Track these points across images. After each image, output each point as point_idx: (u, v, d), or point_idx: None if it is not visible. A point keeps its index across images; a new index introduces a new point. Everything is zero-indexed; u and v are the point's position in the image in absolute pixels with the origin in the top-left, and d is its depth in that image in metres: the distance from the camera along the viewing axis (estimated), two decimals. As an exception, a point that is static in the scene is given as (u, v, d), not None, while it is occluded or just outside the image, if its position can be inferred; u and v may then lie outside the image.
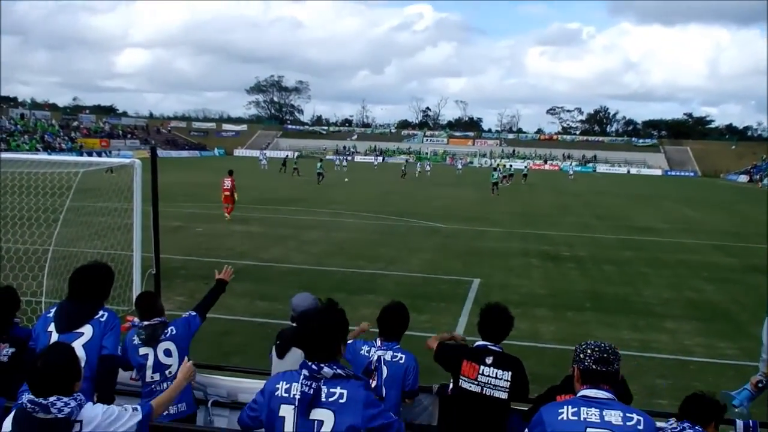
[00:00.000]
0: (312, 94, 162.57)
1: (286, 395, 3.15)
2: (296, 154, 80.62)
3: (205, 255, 16.21)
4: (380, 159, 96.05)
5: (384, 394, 4.46)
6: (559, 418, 3.13)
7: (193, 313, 5.06)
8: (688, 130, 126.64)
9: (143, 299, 4.96)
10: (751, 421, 4.51)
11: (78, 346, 4.19)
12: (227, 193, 23.91)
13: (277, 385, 3.20)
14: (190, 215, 23.44)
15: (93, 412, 3.13)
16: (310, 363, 3.15)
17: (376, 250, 18.24)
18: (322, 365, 3.13)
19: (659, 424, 3.73)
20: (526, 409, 4.52)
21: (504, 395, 4.38)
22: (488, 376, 4.39)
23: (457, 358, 4.56)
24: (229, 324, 10.50)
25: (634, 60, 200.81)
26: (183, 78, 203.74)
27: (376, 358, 4.56)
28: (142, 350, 4.68)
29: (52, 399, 2.98)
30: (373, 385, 4.49)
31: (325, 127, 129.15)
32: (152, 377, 4.68)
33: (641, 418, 3.09)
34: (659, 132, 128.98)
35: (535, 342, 10.07)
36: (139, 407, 3.40)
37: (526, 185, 53.89)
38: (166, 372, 4.69)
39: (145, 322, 4.72)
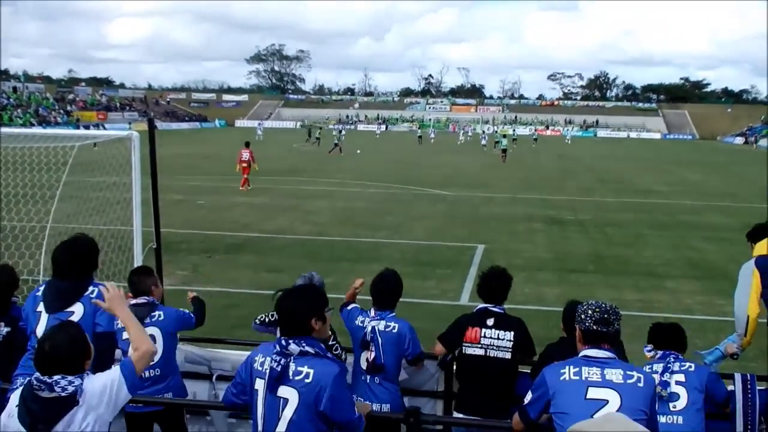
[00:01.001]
0: (313, 63, 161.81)
1: (260, 369, 3.16)
2: (319, 125, 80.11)
3: (207, 228, 16.17)
4: (383, 127, 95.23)
5: (384, 362, 4.45)
6: (561, 378, 3.15)
7: (190, 314, 4.75)
8: (685, 93, 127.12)
9: (132, 275, 4.75)
10: (749, 375, 4.57)
11: None
12: (245, 164, 24.10)
13: (256, 358, 3.22)
14: (192, 188, 23.33)
15: (92, 385, 3.05)
16: (281, 338, 3.15)
17: (381, 219, 18.18)
18: (290, 341, 3.10)
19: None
20: (531, 369, 4.55)
21: (508, 355, 4.40)
22: (490, 338, 4.42)
23: (461, 328, 4.54)
24: (233, 296, 10.48)
25: (633, 26, 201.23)
26: (181, 48, 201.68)
27: (370, 329, 4.51)
28: (126, 335, 4.34)
29: (56, 377, 2.92)
30: (372, 356, 4.46)
31: (328, 96, 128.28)
32: None
33: (642, 376, 3.14)
34: (658, 96, 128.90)
35: (539, 306, 10.12)
36: (120, 375, 3.17)
37: (534, 149, 53.70)
38: None
39: (132, 302, 4.47)
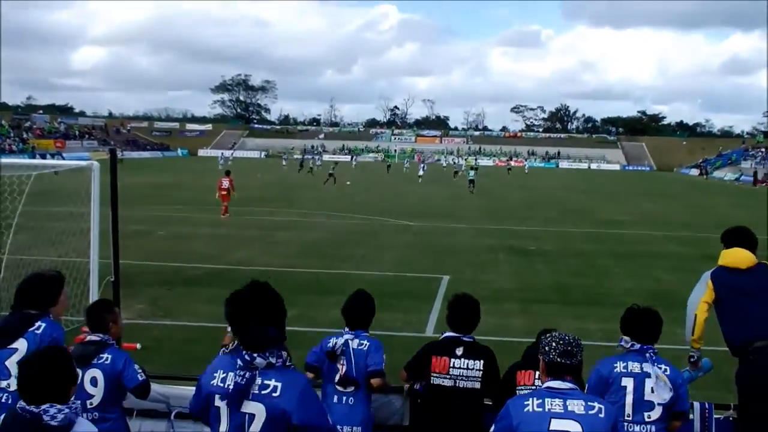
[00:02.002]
0: (279, 94, 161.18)
1: (221, 384, 3.00)
2: (315, 155, 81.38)
3: (168, 259, 15.84)
4: (356, 158, 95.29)
5: (356, 378, 4.46)
6: (525, 410, 3.17)
7: (138, 376, 4.33)
8: (643, 126, 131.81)
9: (91, 309, 4.56)
10: (707, 403, 4.69)
11: (12, 364, 3.89)
12: (224, 192, 24.68)
13: (215, 374, 3.06)
14: (153, 218, 22.93)
15: (84, 426, 2.96)
16: (243, 352, 2.98)
17: (347, 250, 18.08)
18: (255, 355, 2.96)
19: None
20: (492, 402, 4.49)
21: (477, 385, 4.35)
22: (460, 368, 4.36)
23: (425, 358, 4.48)
24: (194, 331, 10.23)
25: (591, 60, 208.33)
26: (144, 76, 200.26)
27: (342, 341, 4.50)
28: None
29: (45, 406, 2.80)
30: (344, 370, 4.44)
31: (293, 126, 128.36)
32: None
33: (602, 406, 3.19)
34: (617, 129, 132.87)
35: (504, 336, 10.05)
36: None
37: (500, 180, 54.31)
38: (87, 402, 4.19)
39: (88, 337, 4.32)
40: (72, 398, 2.97)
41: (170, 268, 14.87)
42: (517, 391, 4.38)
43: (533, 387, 4.22)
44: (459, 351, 4.38)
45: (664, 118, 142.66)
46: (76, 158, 59.35)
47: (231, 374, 2.98)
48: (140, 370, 4.36)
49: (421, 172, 53.10)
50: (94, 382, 4.24)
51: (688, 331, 5.05)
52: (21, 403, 2.85)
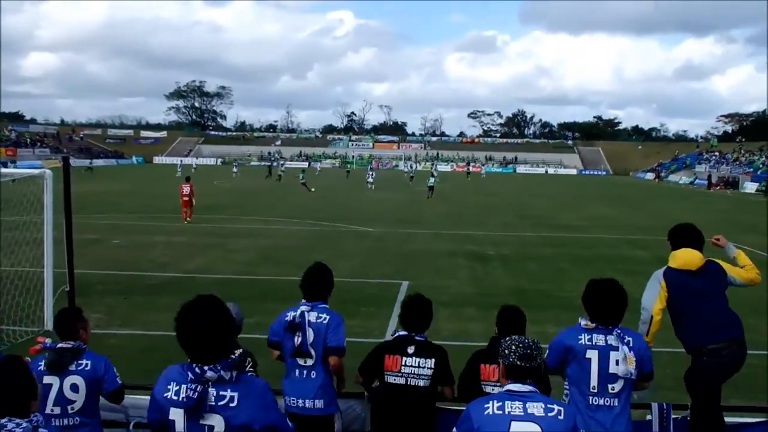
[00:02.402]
0: (235, 100, 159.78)
1: (176, 398, 2.97)
2: (280, 162, 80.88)
3: (124, 268, 15.55)
4: (318, 165, 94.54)
5: (314, 354, 4.52)
6: (486, 413, 3.22)
7: (116, 378, 4.39)
8: (599, 131, 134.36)
9: (59, 318, 4.52)
10: (665, 404, 4.78)
11: None
12: (186, 198, 25.21)
13: (168, 386, 3.02)
14: (108, 227, 22.49)
15: None
16: (194, 365, 2.96)
17: (306, 257, 17.86)
18: (205, 368, 2.94)
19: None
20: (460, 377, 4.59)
21: (427, 383, 4.40)
22: (411, 366, 4.42)
23: (378, 357, 4.54)
24: (151, 340, 10.06)
25: (547, 66, 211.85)
26: (96, 83, 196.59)
27: (299, 312, 4.58)
28: (47, 379, 4.20)
29: (3, 420, 2.74)
30: (299, 341, 4.49)
31: (249, 132, 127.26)
32: (52, 410, 4.19)
33: (561, 408, 3.24)
34: (573, 134, 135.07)
35: (464, 341, 10.12)
36: None
37: (460, 185, 54.70)
38: (69, 408, 4.21)
39: (58, 345, 4.28)
40: (34, 412, 2.90)
41: (126, 277, 14.61)
42: (482, 386, 4.47)
43: (498, 383, 4.27)
44: (410, 349, 4.44)
45: (620, 123, 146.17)
46: (28, 166, 57.90)
47: (183, 386, 2.96)
48: (118, 374, 4.40)
49: (370, 179, 52.52)
50: (74, 388, 4.23)
51: (643, 332, 5.07)
52: None
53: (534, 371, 3.33)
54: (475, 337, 10.47)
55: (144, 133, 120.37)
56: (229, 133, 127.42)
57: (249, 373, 4.22)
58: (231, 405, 2.93)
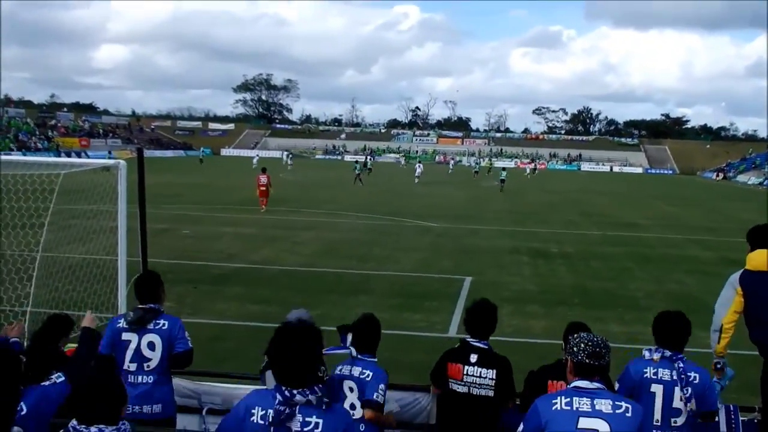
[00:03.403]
0: (300, 93, 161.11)
1: (263, 422, 3.00)
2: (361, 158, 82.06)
3: (193, 258, 16.01)
4: (402, 160, 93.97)
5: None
6: (553, 408, 3.22)
7: (187, 340, 4.54)
8: (666, 129, 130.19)
9: (140, 281, 4.72)
10: (731, 405, 4.74)
11: None
12: (263, 188, 26.97)
13: (253, 410, 3.04)
14: (176, 217, 23.16)
15: None
16: (283, 388, 3.00)
17: (369, 250, 18.13)
18: (295, 392, 2.98)
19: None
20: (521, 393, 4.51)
21: (491, 393, 4.35)
22: (473, 375, 4.39)
23: (442, 364, 4.53)
24: (220, 329, 10.33)
25: (613, 62, 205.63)
26: (165, 75, 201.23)
27: (348, 369, 4.37)
28: (125, 335, 4.41)
29: (94, 429, 2.83)
30: (350, 401, 4.30)
31: (314, 126, 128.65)
32: (128, 366, 4.38)
33: (629, 406, 3.23)
34: (639, 131, 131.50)
35: (526, 338, 10.14)
36: None
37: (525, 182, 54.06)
38: (145, 365, 4.40)
39: (139, 306, 4.51)
40: (122, 417, 2.99)
41: (195, 267, 15.03)
42: None
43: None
44: (473, 358, 4.40)
45: (688, 121, 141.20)
46: (101, 156, 59.98)
47: (270, 411, 2.99)
48: (189, 338, 4.57)
49: (418, 172, 51.72)
50: (151, 346, 4.43)
51: (714, 339, 5.05)
52: (73, 422, 2.88)
53: (602, 369, 3.33)
54: (537, 334, 10.47)
55: (212, 126, 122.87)
56: (294, 127, 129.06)
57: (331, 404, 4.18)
58: (316, 431, 2.97)
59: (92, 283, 9.19)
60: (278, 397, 2.98)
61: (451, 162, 52.78)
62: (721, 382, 4.88)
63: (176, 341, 4.50)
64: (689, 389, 4.06)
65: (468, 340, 4.51)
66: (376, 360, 4.46)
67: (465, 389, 4.39)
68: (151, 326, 4.44)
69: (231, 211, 25.99)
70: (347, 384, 4.34)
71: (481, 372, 4.37)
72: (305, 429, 2.95)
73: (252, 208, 27.01)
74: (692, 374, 4.13)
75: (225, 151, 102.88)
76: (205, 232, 20.43)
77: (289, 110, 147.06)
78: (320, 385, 3.06)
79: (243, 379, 5.58)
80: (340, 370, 4.42)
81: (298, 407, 2.97)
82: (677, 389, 4.08)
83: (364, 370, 4.39)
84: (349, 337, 4.47)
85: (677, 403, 4.08)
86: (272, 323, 9.93)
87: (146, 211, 7.91)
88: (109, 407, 2.91)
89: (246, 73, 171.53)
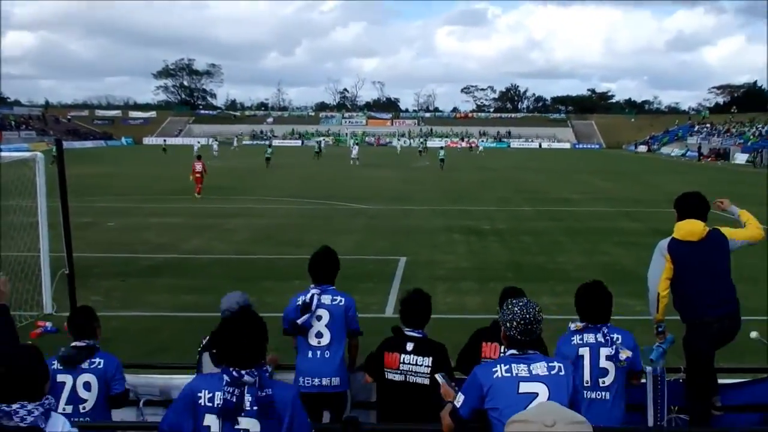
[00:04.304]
0: (224, 78, 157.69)
1: (210, 404, 3.07)
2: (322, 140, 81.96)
3: (120, 251, 15.53)
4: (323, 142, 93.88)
5: (330, 338, 4.81)
6: (495, 375, 3.33)
7: (125, 381, 4.47)
8: (592, 104, 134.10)
9: (74, 317, 4.52)
10: (659, 368, 4.91)
11: None
12: (198, 175, 27.33)
13: (200, 393, 3.11)
14: (101, 210, 22.39)
15: (57, 425, 2.88)
16: (230, 369, 3.08)
17: (302, 235, 18.01)
18: (243, 372, 3.07)
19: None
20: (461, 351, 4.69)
21: (426, 381, 4.40)
22: (409, 363, 4.44)
23: (378, 355, 4.59)
24: (153, 320, 10.11)
25: (538, 39, 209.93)
26: (78, 62, 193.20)
27: (310, 295, 4.81)
28: (60, 377, 4.21)
29: (15, 406, 2.76)
30: (304, 321, 4.74)
31: (240, 111, 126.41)
32: (64, 409, 4.16)
33: (561, 364, 3.41)
34: (566, 107, 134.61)
35: (462, 314, 10.27)
36: None
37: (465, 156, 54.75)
38: (80, 407, 4.20)
39: (73, 343, 4.32)
40: (47, 394, 2.92)
41: (123, 259, 14.61)
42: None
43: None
44: (409, 347, 4.46)
45: (613, 96, 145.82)
46: (14, 150, 57.12)
47: (218, 393, 3.06)
48: (125, 380, 4.44)
49: (354, 154, 52.68)
50: (87, 386, 4.24)
51: (652, 308, 5.21)
52: None
53: (535, 342, 3.45)
54: (473, 310, 10.61)
55: (132, 114, 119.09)
56: (219, 112, 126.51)
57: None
58: (266, 408, 3.07)
59: (14, 281, 8.80)
60: (225, 378, 3.05)
61: (354, 150, 53.51)
62: (663, 345, 5.05)
63: (112, 381, 4.34)
64: (614, 348, 4.26)
65: (403, 329, 4.57)
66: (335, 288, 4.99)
67: (402, 377, 4.44)
68: (86, 365, 4.25)
69: (158, 201, 25.34)
70: (316, 312, 4.78)
71: (417, 360, 4.41)
72: (255, 407, 3.05)
73: (180, 197, 26.43)
74: (615, 335, 4.35)
75: (148, 140, 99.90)
76: (131, 224, 19.83)
77: (213, 96, 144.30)
78: (265, 364, 3.18)
79: (180, 369, 5.49)
80: (306, 299, 4.79)
81: (246, 387, 3.05)
82: (603, 349, 4.27)
83: (335, 297, 4.90)
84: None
85: (603, 362, 4.27)
86: (206, 312, 9.82)
87: (69, 204, 7.62)
88: (30, 384, 2.85)
89: (166, 59, 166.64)
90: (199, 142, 75.86)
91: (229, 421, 3.05)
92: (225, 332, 3.19)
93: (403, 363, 4.43)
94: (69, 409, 4.19)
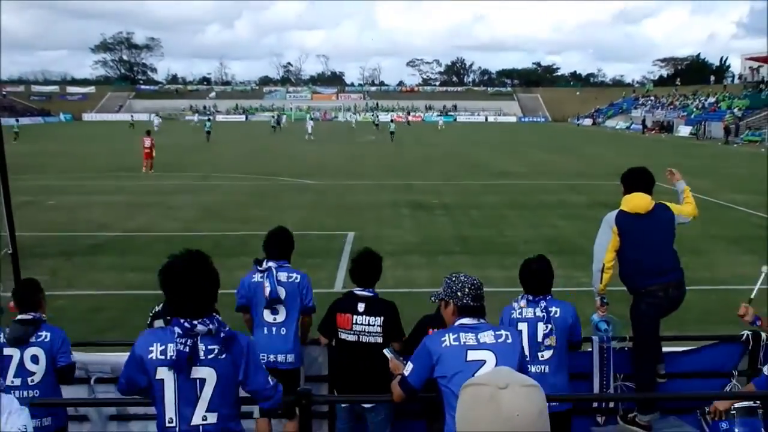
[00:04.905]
0: (165, 52, 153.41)
1: (162, 357, 3.02)
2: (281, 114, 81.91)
3: (62, 229, 15.23)
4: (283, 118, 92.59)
5: (285, 314, 4.86)
6: (443, 345, 3.41)
7: (72, 354, 4.47)
8: (538, 78, 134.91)
9: (20, 289, 4.54)
10: (605, 336, 5.11)
11: None
12: (147, 150, 27.49)
13: (151, 348, 3.05)
14: (40, 188, 21.79)
15: (7, 406, 2.83)
16: (182, 320, 3.03)
17: (248, 212, 17.93)
18: (195, 322, 3.02)
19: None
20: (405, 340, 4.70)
21: (379, 340, 4.54)
22: (362, 324, 4.56)
23: (331, 316, 4.70)
24: (98, 299, 10.03)
25: (483, 12, 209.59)
26: (11, 36, 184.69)
27: (266, 267, 4.88)
28: (7, 351, 4.25)
29: None
30: (268, 290, 4.78)
31: (182, 86, 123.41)
32: (12, 381, 4.23)
33: (508, 333, 3.52)
34: (512, 81, 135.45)
35: (410, 288, 10.44)
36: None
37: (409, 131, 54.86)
38: (29, 379, 4.27)
39: (18, 317, 4.32)
40: None
41: (66, 238, 14.33)
42: None
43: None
44: (361, 307, 4.58)
45: (558, 69, 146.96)
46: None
47: (171, 345, 3.02)
48: (72, 353, 4.45)
49: (309, 130, 53.22)
50: (35, 359, 4.28)
51: (596, 280, 5.29)
52: None
53: (484, 309, 3.59)
54: (420, 284, 10.77)
55: (70, 89, 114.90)
56: (161, 87, 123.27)
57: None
58: (220, 357, 3.06)
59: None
60: (177, 330, 3.00)
61: (309, 126, 53.92)
62: (606, 317, 5.19)
63: (59, 354, 4.38)
64: (550, 325, 4.41)
65: (354, 290, 4.67)
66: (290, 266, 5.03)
67: (354, 338, 4.56)
68: (33, 339, 4.29)
69: (100, 179, 24.77)
70: (270, 289, 4.80)
71: (369, 320, 4.54)
72: (210, 356, 3.04)
73: (123, 174, 25.89)
74: (554, 309, 4.50)
75: (87, 116, 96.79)
76: (72, 202, 19.39)
77: (154, 70, 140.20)
78: (216, 314, 3.12)
79: (130, 346, 5.48)
80: (260, 277, 4.85)
81: (198, 337, 3.01)
82: (540, 324, 4.43)
83: (291, 274, 4.94)
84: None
85: (541, 337, 4.43)
86: (152, 291, 9.72)
87: (9, 182, 7.46)
88: None
89: (104, 32, 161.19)
90: (156, 114, 74.13)
91: (182, 373, 3.02)
92: (173, 279, 3.07)
93: (356, 324, 4.55)
94: (17, 381, 4.25)
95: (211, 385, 3.05)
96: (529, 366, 4.36)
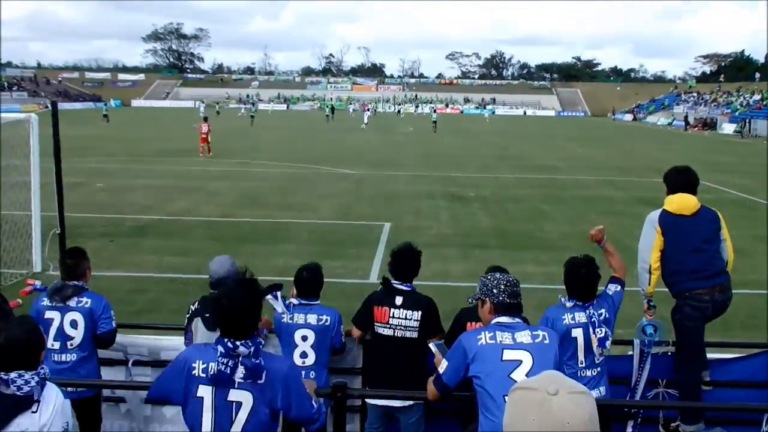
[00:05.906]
0: (212, 42, 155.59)
1: (204, 375, 3.03)
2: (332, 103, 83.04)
3: (108, 211, 15.60)
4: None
5: (314, 359, 4.49)
6: (479, 343, 3.37)
7: (111, 317, 4.60)
8: (577, 72, 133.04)
9: (68, 257, 4.66)
10: (646, 340, 4.89)
11: None
12: (204, 135, 29.03)
13: (194, 364, 3.05)
14: (89, 170, 22.31)
15: (50, 396, 2.93)
16: (225, 340, 3.02)
17: (286, 199, 18.13)
18: (237, 343, 3.00)
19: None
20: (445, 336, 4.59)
21: (415, 335, 4.49)
22: (398, 318, 4.49)
23: (367, 308, 4.63)
24: (138, 281, 10.27)
25: (524, 6, 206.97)
26: (68, 26, 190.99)
27: (293, 315, 4.53)
28: (48, 314, 4.38)
29: (12, 375, 2.81)
30: (304, 346, 4.47)
31: (227, 75, 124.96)
32: (52, 344, 4.35)
33: (545, 333, 3.46)
34: (551, 75, 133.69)
35: (445, 281, 10.38)
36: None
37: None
38: (68, 343, 4.40)
39: (65, 283, 4.47)
40: (41, 362, 2.97)
41: (111, 220, 14.70)
42: None
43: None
44: (398, 301, 4.51)
45: (599, 64, 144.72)
46: (7, 110, 56.22)
47: (212, 364, 3.01)
48: (114, 318, 4.58)
49: (366, 120, 54.17)
50: (74, 324, 4.42)
51: (643, 281, 5.08)
52: None
53: (521, 306, 3.54)
54: (456, 277, 10.73)
55: (122, 76, 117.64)
56: (207, 76, 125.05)
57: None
58: (259, 381, 3.01)
59: (5, 238, 8.95)
60: (220, 349, 3.01)
61: (366, 115, 54.96)
62: (654, 321, 4.97)
63: (100, 321, 4.50)
64: (604, 328, 4.30)
65: (392, 282, 4.57)
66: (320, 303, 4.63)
67: (390, 332, 4.50)
68: (73, 304, 4.42)
69: (145, 163, 25.30)
70: (300, 333, 4.47)
71: (406, 314, 4.46)
72: (248, 380, 3.01)
73: (167, 158, 26.39)
74: (600, 311, 4.37)
75: (136, 102, 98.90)
76: (119, 185, 19.84)
77: (201, 59, 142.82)
78: (259, 336, 3.13)
79: (168, 329, 5.61)
80: (290, 319, 4.50)
81: (240, 358, 3.01)
82: (595, 329, 4.30)
83: (321, 316, 4.52)
84: (280, 295, 4.49)
85: (597, 342, 4.31)
86: (191, 275, 10.00)
87: (62, 165, 7.75)
88: (27, 353, 2.89)
89: (155, 23, 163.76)
90: (203, 101, 75.46)
91: (220, 389, 3.01)
92: (221, 303, 3.08)
93: (393, 317, 4.48)
94: (57, 345, 4.40)
95: (246, 410, 3.02)
96: (585, 371, 4.34)
